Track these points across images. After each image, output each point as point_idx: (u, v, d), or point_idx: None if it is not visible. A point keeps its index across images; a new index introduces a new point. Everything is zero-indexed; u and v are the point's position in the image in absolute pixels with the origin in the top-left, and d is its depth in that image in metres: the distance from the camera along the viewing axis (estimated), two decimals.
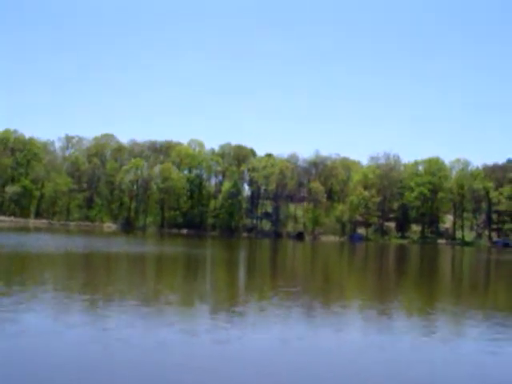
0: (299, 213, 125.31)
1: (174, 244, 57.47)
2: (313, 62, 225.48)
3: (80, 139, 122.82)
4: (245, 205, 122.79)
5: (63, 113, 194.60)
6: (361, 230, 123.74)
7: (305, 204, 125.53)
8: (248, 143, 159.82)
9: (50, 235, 59.52)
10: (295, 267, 35.56)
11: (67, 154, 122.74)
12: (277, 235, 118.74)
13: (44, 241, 45.99)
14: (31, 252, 31.37)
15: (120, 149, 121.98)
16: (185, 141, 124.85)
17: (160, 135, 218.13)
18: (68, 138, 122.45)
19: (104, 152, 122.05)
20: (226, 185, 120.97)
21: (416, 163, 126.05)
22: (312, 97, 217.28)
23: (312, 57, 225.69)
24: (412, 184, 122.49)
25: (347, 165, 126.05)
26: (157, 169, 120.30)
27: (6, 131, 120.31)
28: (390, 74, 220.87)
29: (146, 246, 50.07)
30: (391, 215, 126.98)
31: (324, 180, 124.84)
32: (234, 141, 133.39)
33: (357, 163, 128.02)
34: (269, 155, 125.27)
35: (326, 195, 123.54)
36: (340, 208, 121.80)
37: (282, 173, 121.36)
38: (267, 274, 28.19)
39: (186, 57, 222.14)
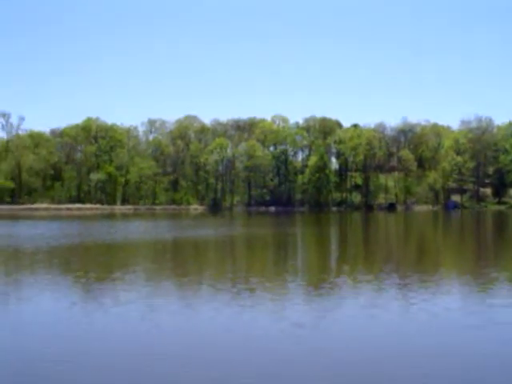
0: (390, 183, 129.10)
1: (262, 224, 56.50)
2: (396, 26, 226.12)
3: (163, 122, 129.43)
4: (333, 178, 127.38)
5: (145, 98, 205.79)
6: (455, 197, 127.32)
7: (395, 174, 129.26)
8: (333, 115, 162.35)
9: (141, 221, 60.09)
10: (396, 242, 33.10)
11: (150, 138, 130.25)
12: (368, 208, 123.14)
13: (135, 227, 46.02)
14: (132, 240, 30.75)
15: (203, 129, 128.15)
16: (268, 117, 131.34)
17: (243, 113, 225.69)
18: (151, 122, 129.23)
19: (187, 134, 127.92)
20: (313, 159, 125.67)
21: (510, 124, 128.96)
22: (397, 63, 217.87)
23: (393, 21, 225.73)
24: (507, 146, 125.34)
25: (437, 131, 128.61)
26: (241, 147, 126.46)
27: (88, 120, 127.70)
28: (471, 31, 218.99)
29: (237, 226, 49.31)
30: (486, 180, 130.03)
31: (414, 148, 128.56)
32: (319, 113, 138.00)
33: (447, 128, 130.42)
34: (355, 126, 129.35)
35: (416, 163, 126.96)
36: (432, 176, 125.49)
37: (369, 143, 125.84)
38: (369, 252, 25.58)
39: (266, 32, 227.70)
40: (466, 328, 10.00)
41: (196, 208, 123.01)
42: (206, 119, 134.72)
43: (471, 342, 9.15)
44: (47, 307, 11.91)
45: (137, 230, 42.45)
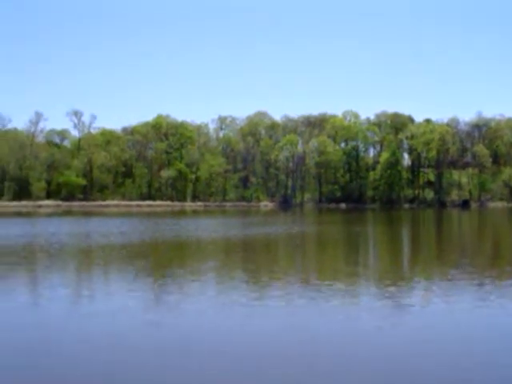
0: (463, 180, 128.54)
1: (333, 221, 56.49)
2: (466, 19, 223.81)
3: (233, 119, 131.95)
4: (405, 174, 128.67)
5: (216, 95, 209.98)
6: None
7: (469, 170, 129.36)
8: (405, 110, 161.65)
9: (212, 218, 61.45)
10: (473, 241, 32.77)
11: (221, 135, 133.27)
12: (440, 204, 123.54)
13: (210, 224, 46.96)
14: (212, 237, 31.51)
15: (273, 126, 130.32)
16: (339, 113, 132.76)
17: (313, 109, 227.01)
18: (221, 119, 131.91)
19: (257, 130, 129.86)
20: (384, 155, 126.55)
21: None
22: (471, 56, 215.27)
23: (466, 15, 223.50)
24: None
25: None
26: (312, 143, 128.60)
27: (159, 117, 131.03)
28: None
29: (307, 224, 49.16)
30: None
31: (488, 143, 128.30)
32: (391, 109, 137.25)
33: None
34: (427, 121, 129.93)
35: (491, 159, 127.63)
36: (507, 172, 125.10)
37: (442, 138, 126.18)
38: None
39: (337, 28, 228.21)
40: None
41: (266, 205, 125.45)
42: (277, 115, 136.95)
43: None
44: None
45: (210, 227, 43.07)
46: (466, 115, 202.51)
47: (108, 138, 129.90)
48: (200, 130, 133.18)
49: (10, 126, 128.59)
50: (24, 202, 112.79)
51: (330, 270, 18.65)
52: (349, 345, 9.22)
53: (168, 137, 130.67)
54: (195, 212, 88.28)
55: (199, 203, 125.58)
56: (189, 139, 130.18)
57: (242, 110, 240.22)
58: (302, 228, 42.40)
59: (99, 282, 16.21)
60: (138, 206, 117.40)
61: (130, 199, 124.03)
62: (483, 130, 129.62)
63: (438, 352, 8.62)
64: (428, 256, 23.45)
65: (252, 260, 21.33)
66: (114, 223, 48.68)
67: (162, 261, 21.47)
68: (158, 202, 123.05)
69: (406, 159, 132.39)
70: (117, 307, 11.94)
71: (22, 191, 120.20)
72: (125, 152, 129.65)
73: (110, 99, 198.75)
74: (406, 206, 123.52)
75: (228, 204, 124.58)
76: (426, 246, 29.49)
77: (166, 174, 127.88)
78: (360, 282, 15.63)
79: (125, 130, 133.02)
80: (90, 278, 17.11)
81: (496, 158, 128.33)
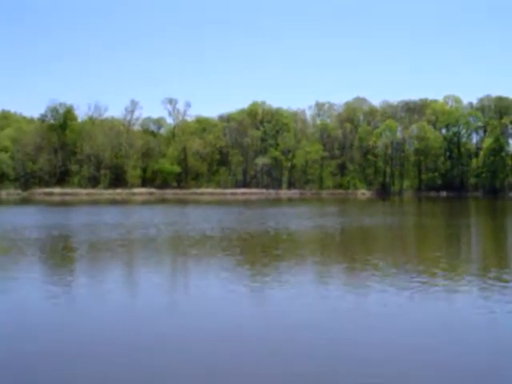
0: None
1: (435, 212, 55.33)
2: None
3: (331, 105, 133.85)
4: (510, 162, 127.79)
5: (313, 81, 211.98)
6: None
7: None
8: (510, 94, 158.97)
9: (307, 207, 62.01)
10: None
11: (318, 121, 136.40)
12: None
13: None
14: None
15: (372, 112, 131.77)
16: (440, 97, 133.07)
17: (414, 94, 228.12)
18: (319, 106, 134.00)
19: (356, 116, 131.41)
20: (487, 141, 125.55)
21: None
22: None
23: None
24: None
25: None
26: (411, 129, 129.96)
27: (254, 104, 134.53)
28: None
29: (407, 215, 47.76)
30: None
31: None
32: (495, 92, 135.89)
33: None
34: None
35: None
36: None
37: None
38: None
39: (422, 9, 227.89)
40: None
41: (363, 193, 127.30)
42: (376, 101, 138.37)
43: None
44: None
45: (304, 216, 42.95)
46: None
47: (203, 126, 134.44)
48: (296, 116, 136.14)
49: (106, 115, 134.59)
50: (119, 190, 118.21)
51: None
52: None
53: (263, 124, 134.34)
54: (290, 200, 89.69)
55: (295, 191, 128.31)
56: (285, 126, 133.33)
57: (340, 97, 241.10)
58: (402, 221, 40.15)
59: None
60: (232, 193, 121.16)
61: (225, 187, 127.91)
62: None
63: None
64: None
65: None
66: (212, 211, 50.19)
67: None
68: (253, 190, 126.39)
69: (511, 145, 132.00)
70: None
71: (118, 179, 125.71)
72: (220, 139, 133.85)
73: (208, 88, 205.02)
74: (511, 194, 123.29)
75: (324, 192, 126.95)
76: None
77: (261, 161, 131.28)
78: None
79: (221, 117, 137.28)
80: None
81: None
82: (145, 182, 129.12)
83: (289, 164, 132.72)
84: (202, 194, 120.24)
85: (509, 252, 22.58)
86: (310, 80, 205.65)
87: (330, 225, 34.34)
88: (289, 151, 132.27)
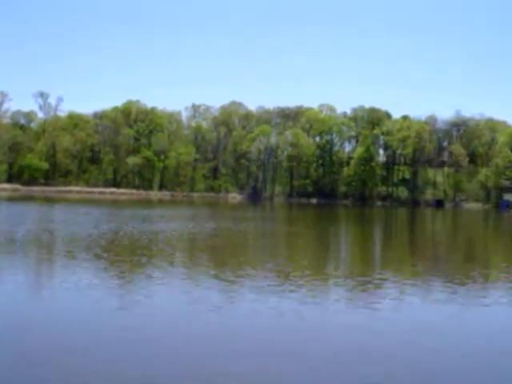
0: (439, 179, 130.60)
1: (304, 218, 56.19)
2: (448, 19, 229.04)
3: (207, 108, 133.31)
4: (379, 171, 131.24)
5: (191, 83, 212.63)
6: (508, 196, 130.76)
7: (445, 169, 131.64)
8: (383, 106, 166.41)
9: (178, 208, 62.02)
10: (445, 244, 32.91)
11: (193, 123, 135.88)
12: (414, 203, 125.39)
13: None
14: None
15: (247, 116, 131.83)
16: (316, 106, 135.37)
17: (291, 101, 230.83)
18: (195, 108, 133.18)
19: (231, 120, 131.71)
20: (359, 150, 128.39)
21: None
22: (450, 55, 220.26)
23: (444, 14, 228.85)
24: None
25: (492, 125, 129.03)
26: (285, 135, 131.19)
27: (128, 102, 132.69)
28: None
29: (277, 222, 47.04)
30: None
31: (466, 142, 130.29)
32: (368, 104, 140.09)
33: (503, 123, 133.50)
34: (404, 117, 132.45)
35: (468, 159, 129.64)
36: (484, 172, 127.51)
37: (419, 135, 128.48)
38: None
39: (314, 19, 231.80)
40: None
41: (234, 196, 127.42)
42: (252, 106, 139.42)
43: None
44: None
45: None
46: (445, 113, 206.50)
47: (75, 122, 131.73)
48: (172, 117, 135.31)
49: None
50: None
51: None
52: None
53: (137, 123, 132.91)
54: (160, 202, 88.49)
55: (166, 193, 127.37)
56: (158, 126, 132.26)
57: (217, 100, 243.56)
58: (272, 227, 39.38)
59: None
60: (100, 193, 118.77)
61: (95, 186, 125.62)
62: (461, 130, 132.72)
63: None
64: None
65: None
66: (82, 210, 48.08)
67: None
68: (122, 190, 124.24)
69: (381, 155, 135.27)
70: None
71: None
72: (91, 137, 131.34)
73: (83, 84, 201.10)
74: (379, 203, 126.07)
75: (195, 194, 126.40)
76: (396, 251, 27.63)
77: (132, 160, 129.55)
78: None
79: (96, 114, 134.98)
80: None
81: (473, 159, 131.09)
82: (11, 178, 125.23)
83: (161, 165, 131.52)
84: (69, 191, 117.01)
85: (370, 260, 23.12)
86: (188, 82, 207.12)
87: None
88: (161, 152, 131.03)
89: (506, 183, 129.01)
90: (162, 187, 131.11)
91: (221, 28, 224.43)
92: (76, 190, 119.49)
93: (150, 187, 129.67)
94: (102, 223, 33.89)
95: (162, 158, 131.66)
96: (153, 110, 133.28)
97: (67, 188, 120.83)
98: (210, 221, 40.87)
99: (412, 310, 12.46)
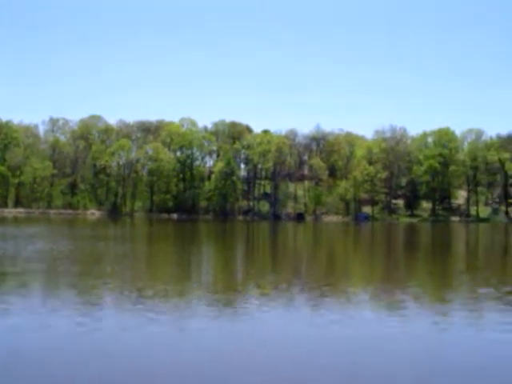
0: (300, 192, 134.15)
1: (166, 235, 55.59)
2: (318, 30, 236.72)
3: (66, 122, 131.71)
4: (240, 185, 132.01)
5: (49, 96, 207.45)
6: (366, 209, 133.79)
7: (305, 183, 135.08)
8: (244, 120, 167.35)
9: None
10: (300, 257, 34.17)
11: (51, 137, 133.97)
12: (275, 217, 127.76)
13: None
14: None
15: (107, 130, 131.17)
16: (177, 120, 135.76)
17: (151, 115, 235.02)
18: (53, 121, 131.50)
19: (91, 134, 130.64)
20: (220, 164, 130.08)
21: (425, 134, 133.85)
22: (310, 68, 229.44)
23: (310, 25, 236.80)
24: (421, 157, 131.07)
25: (351, 140, 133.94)
26: (145, 149, 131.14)
27: None
28: (394, 40, 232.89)
29: (138, 241, 45.62)
30: (399, 192, 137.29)
31: (326, 156, 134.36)
32: (230, 118, 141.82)
33: (361, 138, 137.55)
34: (265, 131, 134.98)
35: (327, 172, 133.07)
36: (343, 185, 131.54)
37: (279, 150, 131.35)
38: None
39: (178, 34, 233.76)
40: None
41: (93, 213, 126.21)
42: (112, 120, 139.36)
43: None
44: None
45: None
46: (305, 128, 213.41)
47: None
48: (28, 131, 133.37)
49: None
50: None
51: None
52: None
53: None
54: (15, 220, 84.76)
55: (21, 210, 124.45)
56: (14, 140, 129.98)
57: (76, 113, 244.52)
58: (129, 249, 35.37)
59: None
60: None
61: None
62: (321, 144, 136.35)
63: None
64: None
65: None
66: None
67: None
68: None
69: (243, 170, 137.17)
70: None
71: None
72: None
73: None
74: (240, 217, 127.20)
75: (53, 211, 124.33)
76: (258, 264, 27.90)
77: None
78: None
79: None
80: None
81: (333, 172, 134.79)
82: None
83: (16, 180, 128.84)
84: None
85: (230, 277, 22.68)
86: (47, 95, 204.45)
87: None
88: (17, 167, 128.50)
89: (365, 196, 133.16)
90: (17, 204, 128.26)
91: (76, 35, 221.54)
92: None
93: (4, 204, 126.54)
94: None
95: (18, 173, 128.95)
96: (7, 123, 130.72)
97: None
98: (60, 241, 38.69)
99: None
